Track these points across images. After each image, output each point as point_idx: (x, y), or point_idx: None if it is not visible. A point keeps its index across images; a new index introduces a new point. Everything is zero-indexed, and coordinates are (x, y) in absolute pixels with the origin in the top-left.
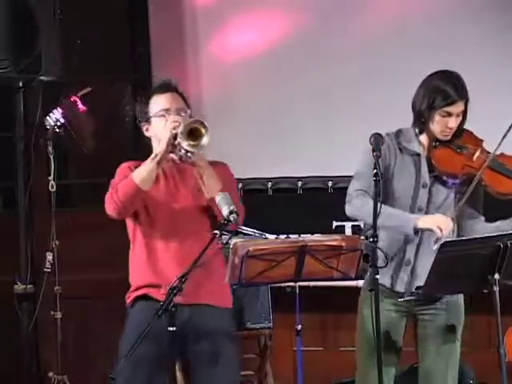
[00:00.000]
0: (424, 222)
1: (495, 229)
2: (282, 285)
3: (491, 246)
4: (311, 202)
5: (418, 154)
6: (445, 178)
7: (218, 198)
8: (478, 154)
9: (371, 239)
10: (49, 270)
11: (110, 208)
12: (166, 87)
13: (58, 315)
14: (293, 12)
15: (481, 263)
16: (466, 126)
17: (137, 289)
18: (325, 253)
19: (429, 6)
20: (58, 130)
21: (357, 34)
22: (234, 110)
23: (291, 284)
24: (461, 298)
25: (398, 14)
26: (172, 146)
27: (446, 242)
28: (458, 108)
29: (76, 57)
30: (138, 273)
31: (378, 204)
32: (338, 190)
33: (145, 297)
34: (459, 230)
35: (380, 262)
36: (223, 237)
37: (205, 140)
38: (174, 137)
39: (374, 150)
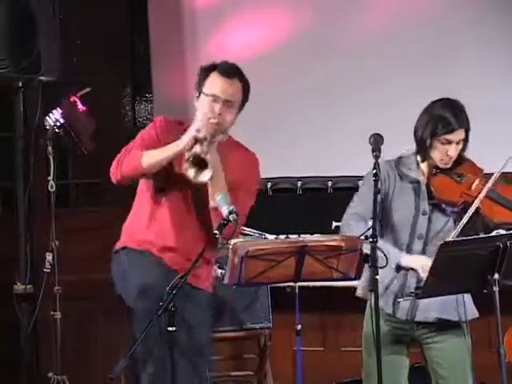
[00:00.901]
0: (407, 261)
1: None
2: (282, 285)
3: (491, 246)
4: (311, 202)
5: (418, 182)
6: (443, 205)
7: (219, 198)
8: (476, 182)
9: (371, 239)
10: (48, 270)
11: (111, 174)
12: (229, 72)
13: (58, 315)
14: (292, 12)
15: (480, 263)
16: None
17: (130, 240)
18: (324, 253)
19: (429, 5)
20: (57, 130)
21: (357, 33)
22: None
23: (291, 284)
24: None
25: (399, 13)
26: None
27: (446, 242)
28: (458, 136)
29: (76, 57)
30: (136, 227)
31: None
32: (338, 190)
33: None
34: None
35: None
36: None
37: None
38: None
39: (373, 150)
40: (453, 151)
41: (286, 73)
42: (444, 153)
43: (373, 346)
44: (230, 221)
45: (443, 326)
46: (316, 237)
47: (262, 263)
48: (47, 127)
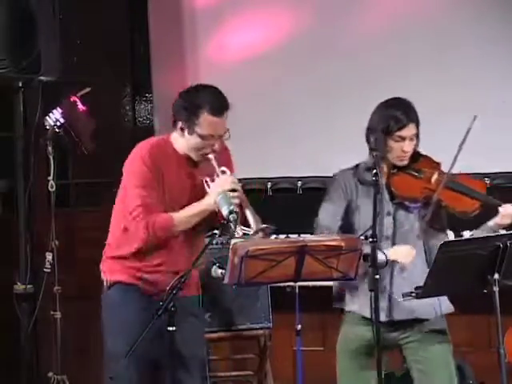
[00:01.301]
0: (389, 254)
1: None
2: (282, 285)
3: (491, 246)
4: (311, 202)
5: (378, 184)
6: (406, 203)
7: (219, 198)
8: (435, 176)
9: (371, 239)
10: (48, 270)
11: (139, 236)
12: (222, 110)
13: (58, 315)
14: (292, 12)
15: (480, 263)
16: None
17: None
18: (324, 253)
19: (429, 5)
20: (57, 130)
21: (357, 33)
22: (233, 110)
23: (291, 284)
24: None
25: (399, 12)
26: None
27: (446, 242)
28: (410, 131)
29: (76, 57)
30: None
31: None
32: None
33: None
34: (428, 251)
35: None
36: (223, 237)
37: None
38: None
39: (373, 150)
40: (407, 147)
41: (286, 73)
42: (399, 150)
43: (348, 354)
44: (230, 221)
45: (421, 323)
46: (316, 236)
47: (261, 263)
48: (47, 127)
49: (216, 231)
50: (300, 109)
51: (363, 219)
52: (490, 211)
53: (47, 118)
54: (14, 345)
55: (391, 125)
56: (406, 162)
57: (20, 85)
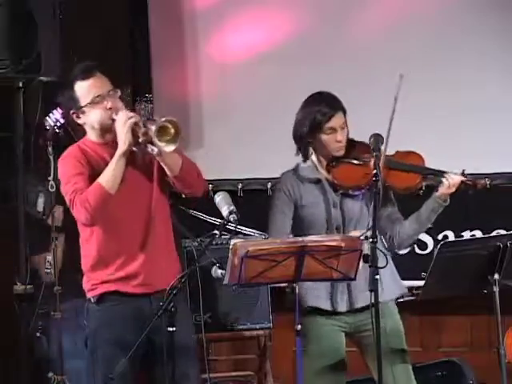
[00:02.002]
0: None
1: (416, 217)
2: (282, 285)
3: (491, 246)
4: None
5: (319, 180)
6: (351, 192)
7: (218, 199)
8: (373, 160)
9: (371, 239)
10: (48, 271)
11: (82, 218)
12: (89, 70)
13: (58, 315)
14: (292, 12)
15: (480, 263)
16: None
17: (103, 282)
18: (324, 253)
19: (429, 6)
20: (57, 131)
21: (357, 33)
22: (234, 109)
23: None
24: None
25: (399, 13)
26: (135, 141)
27: (446, 242)
28: (339, 120)
29: (76, 57)
30: (102, 263)
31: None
32: None
33: (114, 292)
34: (384, 234)
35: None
36: (223, 237)
37: (177, 140)
38: (132, 131)
39: (373, 150)
40: (340, 136)
41: (285, 72)
42: (333, 141)
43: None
44: (230, 221)
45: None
46: (316, 237)
47: (261, 263)
48: (47, 127)
49: (216, 231)
50: None
51: (314, 217)
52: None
53: (47, 118)
54: (13, 345)
55: (318, 118)
56: (342, 152)
57: (20, 85)
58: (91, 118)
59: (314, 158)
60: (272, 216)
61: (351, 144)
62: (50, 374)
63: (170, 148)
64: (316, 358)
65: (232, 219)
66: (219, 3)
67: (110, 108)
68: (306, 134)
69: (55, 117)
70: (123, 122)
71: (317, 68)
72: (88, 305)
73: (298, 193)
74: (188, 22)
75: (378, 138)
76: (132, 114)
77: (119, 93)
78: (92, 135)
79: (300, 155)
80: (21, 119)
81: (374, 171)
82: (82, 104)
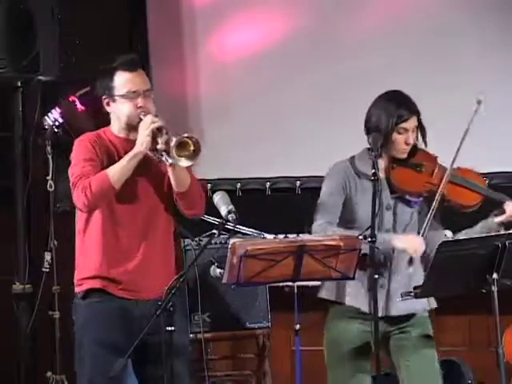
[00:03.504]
0: (400, 241)
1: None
2: (281, 284)
3: (490, 245)
4: (309, 202)
5: (377, 178)
6: (408, 197)
7: (217, 198)
8: (436, 170)
9: (370, 239)
10: (47, 270)
11: (80, 203)
12: (134, 64)
13: (57, 315)
14: (291, 11)
15: (479, 263)
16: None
17: (90, 278)
18: (323, 252)
19: (428, 6)
20: (56, 130)
21: (356, 33)
22: (233, 109)
23: (289, 284)
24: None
25: (397, 13)
26: (153, 146)
27: (445, 242)
28: (413, 123)
29: (74, 56)
30: (94, 260)
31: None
32: None
33: (100, 290)
34: (427, 243)
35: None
36: (221, 236)
37: (194, 159)
38: (153, 135)
39: (372, 150)
40: (411, 139)
41: (285, 72)
42: (403, 142)
43: (340, 354)
44: (229, 220)
45: (410, 318)
46: (315, 236)
47: (260, 263)
48: (46, 127)
49: (215, 231)
50: (299, 108)
51: (365, 215)
52: (492, 206)
53: (46, 117)
54: (12, 344)
55: (395, 118)
56: (406, 155)
57: (19, 84)
58: (120, 110)
59: (374, 155)
60: (324, 196)
61: (413, 150)
62: (49, 374)
63: (184, 163)
64: (338, 345)
65: (231, 219)
66: (218, 3)
67: (141, 107)
68: (381, 132)
69: (54, 116)
70: (147, 124)
71: (316, 68)
72: (75, 300)
73: (353, 186)
74: (187, 22)
75: (377, 138)
76: (158, 119)
77: (153, 96)
78: (115, 127)
79: (369, 150)
80: (19, 119)
81: (373, 170)
82: (116, 93)
